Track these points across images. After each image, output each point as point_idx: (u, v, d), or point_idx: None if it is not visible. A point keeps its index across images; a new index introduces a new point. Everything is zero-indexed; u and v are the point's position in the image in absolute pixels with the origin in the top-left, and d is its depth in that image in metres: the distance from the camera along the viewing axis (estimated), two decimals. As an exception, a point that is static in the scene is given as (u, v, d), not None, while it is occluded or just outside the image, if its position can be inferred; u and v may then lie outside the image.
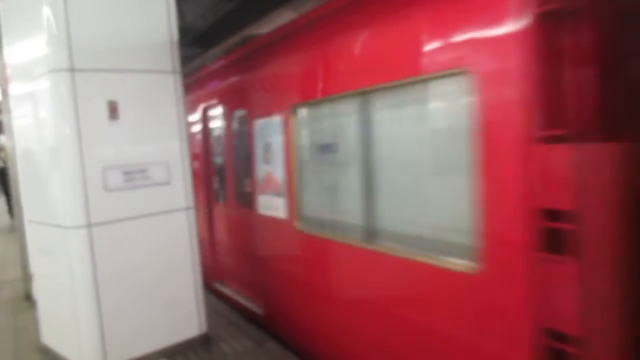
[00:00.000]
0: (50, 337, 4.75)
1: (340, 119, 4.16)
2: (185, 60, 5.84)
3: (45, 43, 4.01)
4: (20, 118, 4.67)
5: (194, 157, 6.51)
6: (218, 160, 6.67)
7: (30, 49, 4.25)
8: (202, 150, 6.81)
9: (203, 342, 4.86)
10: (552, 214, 2.36)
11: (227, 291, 6.57)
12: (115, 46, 4.23)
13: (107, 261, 4.19)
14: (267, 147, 4.98)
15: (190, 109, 6.63)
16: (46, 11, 3.94)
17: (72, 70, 3.97)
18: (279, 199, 4.82)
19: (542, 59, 2.37)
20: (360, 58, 3.77)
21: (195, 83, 6.91)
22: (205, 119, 6.75)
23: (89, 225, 4.08)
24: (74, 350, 4.32)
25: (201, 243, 6.24)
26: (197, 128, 6.93)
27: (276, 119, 4.75)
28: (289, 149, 4.59)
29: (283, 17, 5.76)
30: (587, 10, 2.34)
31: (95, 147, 4.10)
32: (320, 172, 4.47)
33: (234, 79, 5.87)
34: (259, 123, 5.12)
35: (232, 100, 5.86)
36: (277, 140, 4.78)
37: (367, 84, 3.61)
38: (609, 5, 2.48)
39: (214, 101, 6.45)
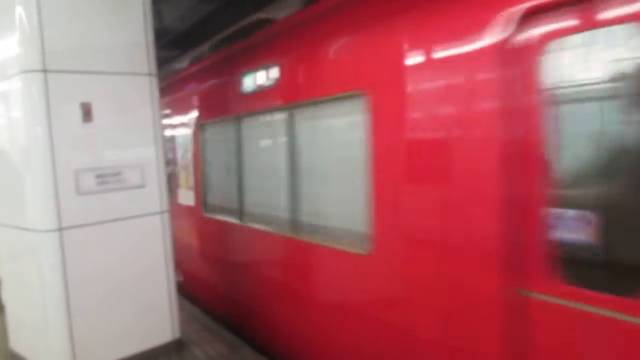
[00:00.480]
0: (19, 342, 4.63)
1: None
2: (162, 62, 5.80)
3: (18, 43, 3.93)
4: (-9, 118, 4.57)
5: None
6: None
7: (3, 48, 4.16)
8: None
9: (176, 347, 4.81)
10: None
11: None
12: (90, 47, 4.17)
13: (79, 266, 4.12)
14: None
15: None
16: (19, 10, 3.86)
17: (44, 71, 3.90)
18: None
19: None
20: None
21: None
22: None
23: (60, 229, 4.01)
24: (43, 356, 4.23)
25: None
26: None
27: None
28: None
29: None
30: None
31: (67, 149, 4.03)
32: None
33: None
34: None
35: None
36: None
37: None
38: None
39: None
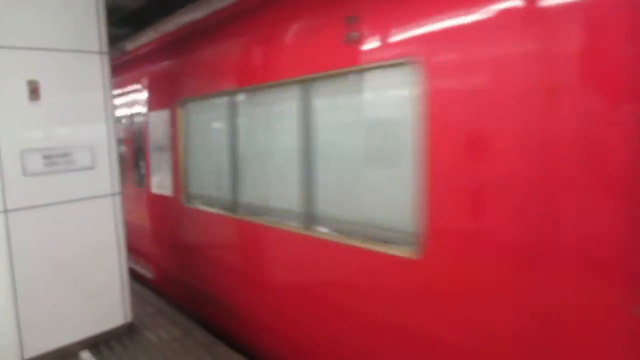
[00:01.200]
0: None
1: None
2: (113, 40, 5.63)
3: (-43, 15, 3.74)
4: None
5: None
6: None
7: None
8: None
9: (128, 331, 4.76)
10: None
11: None
12: (37, 23, 4.00)
13: (26, 249, 4.00)
14: None
15: None
16: (-42, -20, 3.67)
17: (-13, 46, 3.73)
18: None
19: None
20: None
21: None
22: None
23: (6, 211, 3.87)
24: (-13, 342, 4.11)
25: None
26: None
27: None
28: None
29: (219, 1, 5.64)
30: None
31: (12, 129, 3.88)
32: None
33: None
34: None
35: None
36: None
37: None
38: None
39: None
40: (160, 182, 6.09)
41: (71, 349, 4.34)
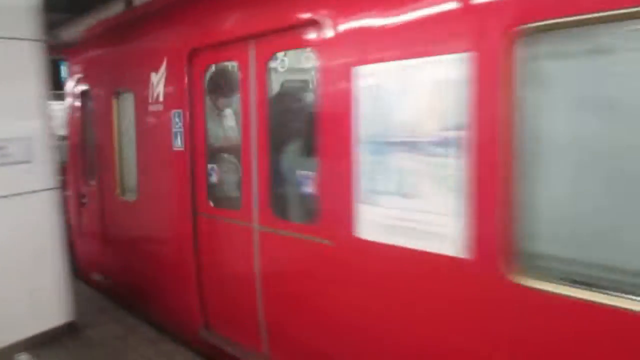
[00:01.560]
0: None
1: None
2: (51, 26, 5.38)
3: None
4: None
5: None
6: None
7: None
8: None
9: (69, 330, 4.61)
10: None
11: None
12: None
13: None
14: None
15: None
16: None
17: None
18: None
19: None
20: None
21: None
22: None
23: None
24: None
25: None
26: None
27: None
28: None
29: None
30: None
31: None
32: None
33: None
34: None
35: None
36: None
37: None
38: None
39: None
40: (396, 221, 2.72)
41: (7, 351, 4.16)
